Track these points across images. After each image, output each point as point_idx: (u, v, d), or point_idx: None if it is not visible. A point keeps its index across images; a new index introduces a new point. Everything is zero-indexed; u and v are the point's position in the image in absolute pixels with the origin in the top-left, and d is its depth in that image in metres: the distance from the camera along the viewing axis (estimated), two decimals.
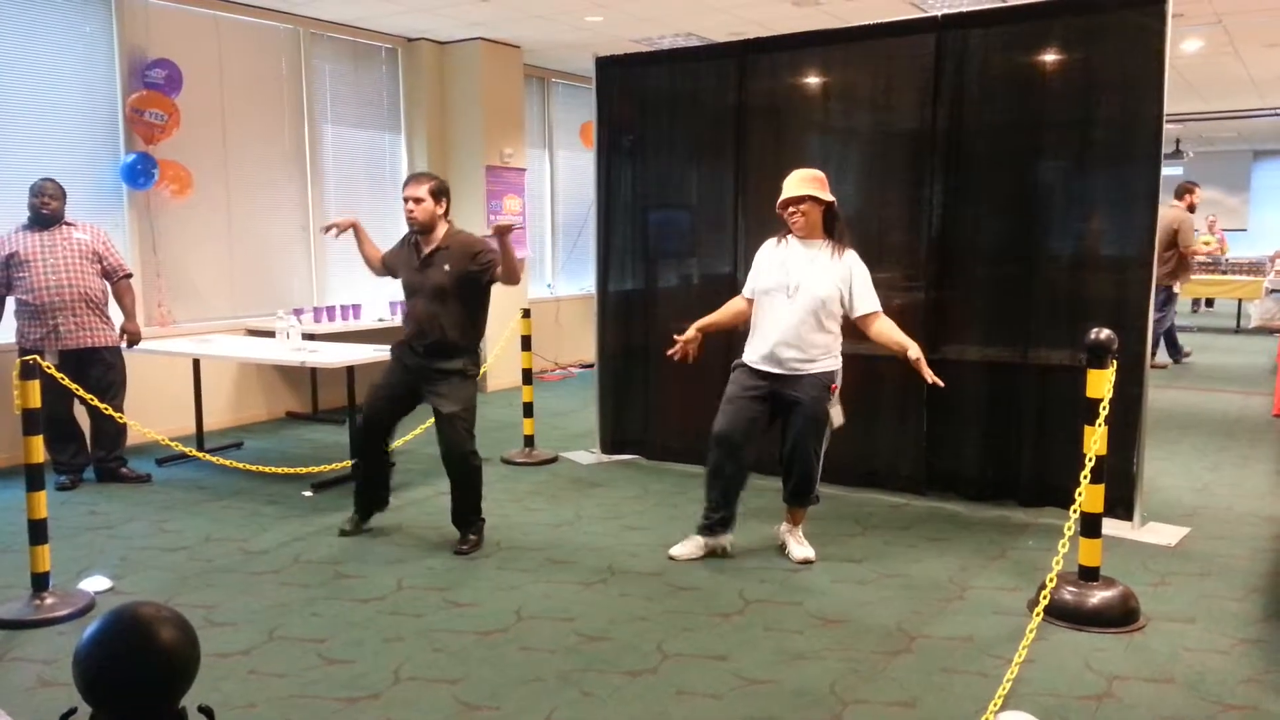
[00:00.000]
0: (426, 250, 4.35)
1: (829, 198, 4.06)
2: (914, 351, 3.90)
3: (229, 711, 2.92)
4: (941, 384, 3.89)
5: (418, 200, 4.30)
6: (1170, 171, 16.69)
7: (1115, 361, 3.61)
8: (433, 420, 4.43)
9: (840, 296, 4.04)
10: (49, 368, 3.95)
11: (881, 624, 3.57)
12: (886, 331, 4.04)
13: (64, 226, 5.38)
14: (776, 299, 4.07)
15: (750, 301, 4.27)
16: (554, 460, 6.09)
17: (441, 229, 4.36)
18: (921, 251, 5.08)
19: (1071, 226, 4.81)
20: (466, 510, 4.43)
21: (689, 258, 6.03)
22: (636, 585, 3.97)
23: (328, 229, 4.64)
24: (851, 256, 4.09)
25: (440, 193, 4.36)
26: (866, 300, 4.07)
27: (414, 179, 4.38)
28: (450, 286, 4.29)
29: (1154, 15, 4.37)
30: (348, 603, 3.79)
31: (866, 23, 5.21)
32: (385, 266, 4.62)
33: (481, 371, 4.52)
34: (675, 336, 4.29)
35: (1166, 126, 4.49)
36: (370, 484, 4.64)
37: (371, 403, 4.51)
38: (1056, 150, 4.84)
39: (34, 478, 3.66)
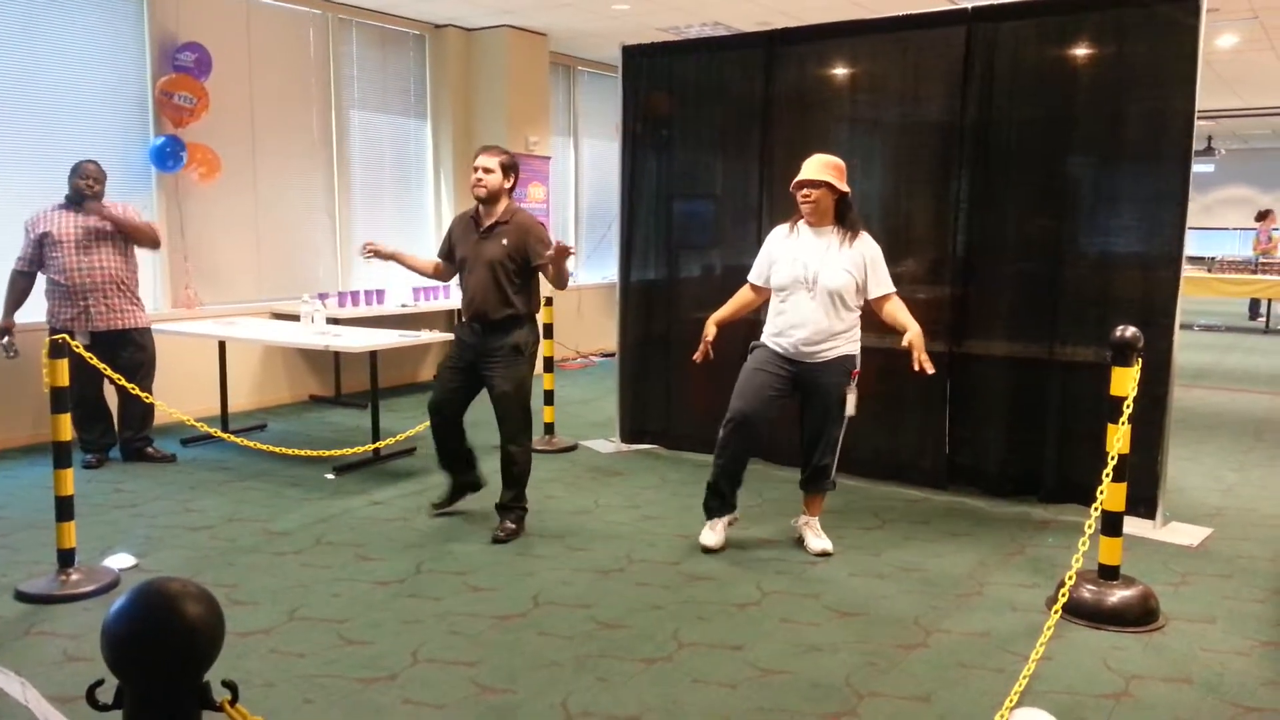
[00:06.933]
0: (487, 223, 4.37)
1: (844, 188, 4.06)
2: (909, 337, 3.91)
3: (250, 689, 2.95)
4: (931, 370, 3.89)
5: (488, 170, 4.32)
6: (1201, 169, 16.49)
7: (1140, 359, 3.59)
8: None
9: (856, 283, 4.05)
10: (78, 348, 4.00)
11: (898, 618, 3.57)
12: (894, 312, 4.07)
13: None
14: (798, 294, 4.06)
15: (757, 289, 4.28)
16: (573, 448, 6.11)
17: (503, 204, 4.38)
18: (948, 245, 5.05)
19: (1099, 223, 4.77)
20: (507, 495, 4.45)
21: (712, 249, 6.01)
22: (653, 574, 3.98)
23: (367, 252, 4.55)
24: (865, 240, 4.09)
25: (510, 168, 4.39)
26: (881, 283, 4.09)
27: (486, 150, 4.41)
28: (506, 260, 4.30)
29: (1188, 10, 4.32)
30: (368, 585, 3.83)
31: (896, 14, 5.17)
32: (442, 257, 4.58)
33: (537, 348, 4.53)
34: (704, 327, 4.29)
35: (1198, 123, 4.44)
36: (451, 465, 4.65)
37: (437, 386, 4.56)
38: (1086, 146, 4.79)
39: (61, 455, 3.71)
